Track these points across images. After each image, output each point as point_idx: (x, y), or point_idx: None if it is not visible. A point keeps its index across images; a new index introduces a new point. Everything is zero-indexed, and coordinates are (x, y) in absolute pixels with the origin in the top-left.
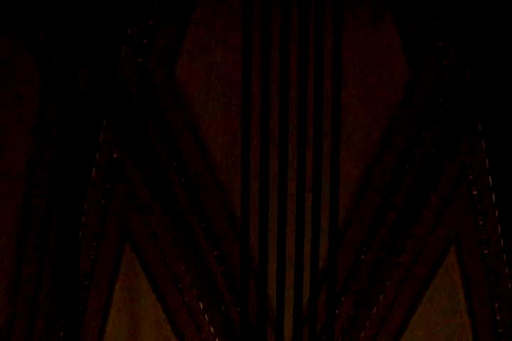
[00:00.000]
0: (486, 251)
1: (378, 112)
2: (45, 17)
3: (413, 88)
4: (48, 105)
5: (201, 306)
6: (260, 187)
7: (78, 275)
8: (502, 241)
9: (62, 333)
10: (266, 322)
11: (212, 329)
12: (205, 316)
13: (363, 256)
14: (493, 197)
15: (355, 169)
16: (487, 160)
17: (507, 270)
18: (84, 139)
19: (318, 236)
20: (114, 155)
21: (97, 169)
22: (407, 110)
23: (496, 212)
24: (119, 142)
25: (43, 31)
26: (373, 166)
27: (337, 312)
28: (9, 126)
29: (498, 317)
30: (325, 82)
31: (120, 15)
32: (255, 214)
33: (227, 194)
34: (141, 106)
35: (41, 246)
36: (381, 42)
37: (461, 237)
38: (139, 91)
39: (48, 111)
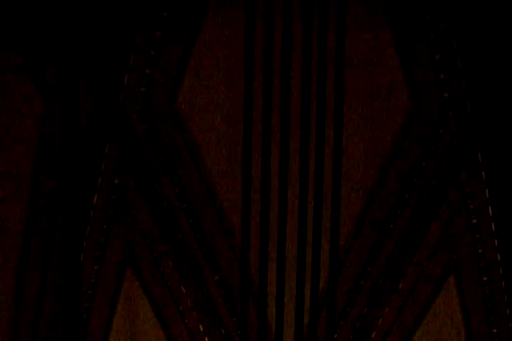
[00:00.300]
0: (484, 278)
1: (379, 142)
2: (49, 45)
3: (414, 119)
4: (50, 130)
5: (201, 329)
6: (261, 213)
7: (81, 298)
8: (501, 268)
9: None
10: None
11: None
12: (206, 339)
13: (362, 282)
14: (493, 227)
15: (356, 197)
16: (487, 190)
17: (505, 297)
18: (87, 165)
19: (319, 262)
20: (116, 181)
21: (99, 195)
22: (407, 140)
23: (496, 241)
24: (121, 168)
25: (46, 60)
26: (374, 194)
27: (336, 336)
28: (11, 152)
29: None
30: (327, 118)
31: (123, 45)
32: (256, 238)
33: (228, 219)
34: (143, 133)
35: (43, 269)
36: (383, 75)
37: (460, 264)
38: (140, 118)
39: (49, 137)
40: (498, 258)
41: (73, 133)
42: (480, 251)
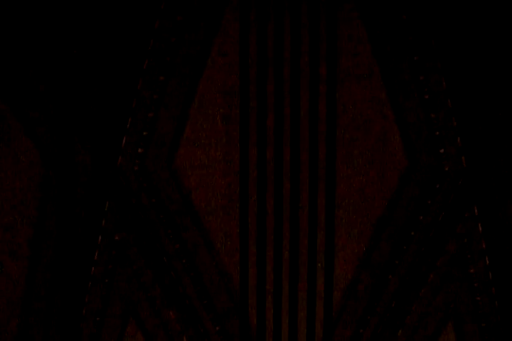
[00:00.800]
0: (483, 325)
1: (376, 198)
2: (46, 107)
3: (410, 175)
4: (50, 192)
5: None
6: (257, 272)
7: None
8: (499, 316)
9: None
10: None
11: None
12: None
13: (361, 330)
14: (490, 276)
15: (355, 248)
16: (483, 241)
17: None
18: (87, 223)
19: (314, 317)
20: (116, 238)
21: (99, 250)
22: (404, 196)
23: (493, 289)
24: (120, 225)
25: (44, 121)
26: (371, 247)
27: None
28: (10, 216)
29: None
30: (319, 184)
31: (121, 108)
32: (253, 295)
33: (228, 275)
34: (141, 193)
35: (45, 322)
36: (379, 131)
37: (459, 312)
38: (138, 179)
39: (49, 198)
40: (496, 305)
41: (71, 194)
42: (478, 298)
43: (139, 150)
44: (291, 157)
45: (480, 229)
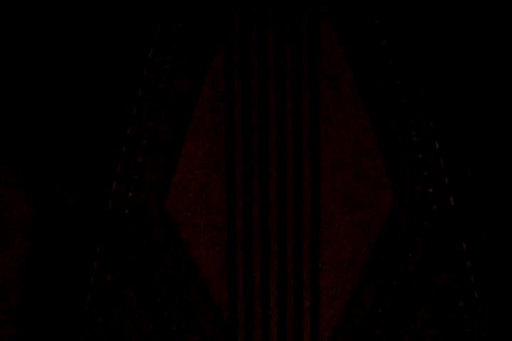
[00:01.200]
0: None
1: (365, 232)
2: (36, 154)
3: (398, 212)
4: (39, 235)
5: None
6: (245, 312)
7: None
8: None
9: None
10: None
11: None
12: None
13: None
14: (479, 309)
15: (344, 284)
16: (472, 276)
17: None
18: (79, 265)
19: None
20: (109, 278)
21: (92, 291)
22: (393, 233)
23: (482, 323)
24: (112, 266)
25: (34, 167)
26: (361, 284)
27: None
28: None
29: None
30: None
31: (111, 154)
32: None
33: (222, 313)
34: (133, 234)
35: None
36: (366, 171)
37: None
38: (130, 221)
39: (39, 240)
40: (485, 336)
41: (63, 238)
42: (467, 330)
43: (130, 193)
44: (278, 210)
45: (468, 264)
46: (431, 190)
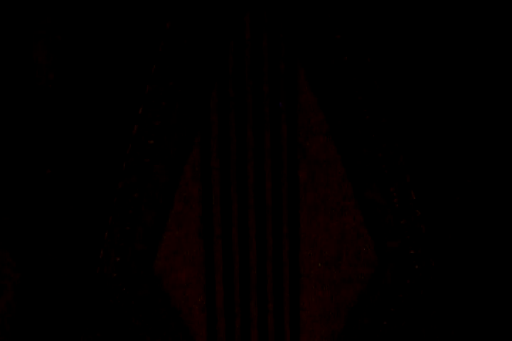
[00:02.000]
0: None
1: (342, 296)
2: (22, 218)
3: (380, 272)
4: (26, 298)
5: None
6: None
7: None
8: None
9: None
10: None
11: None
12: None
13: None
14: None
15: None
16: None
17: None
18: (67, 328)
19: None
20: (98, 335)
21: None
22: (376, 289)
23: None
24: (101, 329)
25: (19, 231)
26: None
27: None
28: None
29: None
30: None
31: (98, 222)
32: None
33: None
34: (122, 297)
35: None
36: (347, 230)
37: None
38: (118, 284)
39: (25, 304)
40: None
41: (51, 300)
42: None
43: (117, 259)
44: (257, 273)
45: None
46: (413, 251)
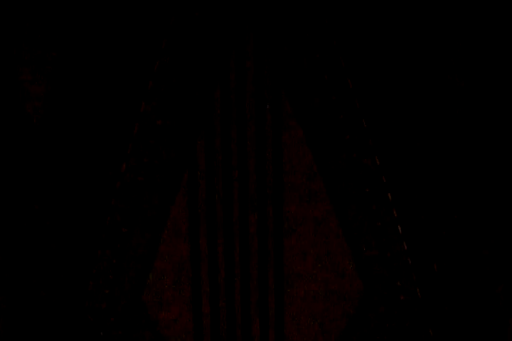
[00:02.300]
0: None
1: (328, 325)
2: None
3: (365, 304)
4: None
5: None
6: None
7: None
8: None
9: None
10: None
11: None
12: None
13: None
14: None
15: None
16: None
17: None
18: None
19: None
20: None
21: None
22: (360, 322)
23: None
24: None
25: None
26: None
27: None
28: None
29: None
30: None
31: (87, 257)
32: None
33: None
34: (110, 327)
35: None
36: (333, 264)
37: None
38: (106, 315)
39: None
40: None
41: (38, 333)
42: None
43: (106, 291)
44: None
45: None
46: (402, 297)
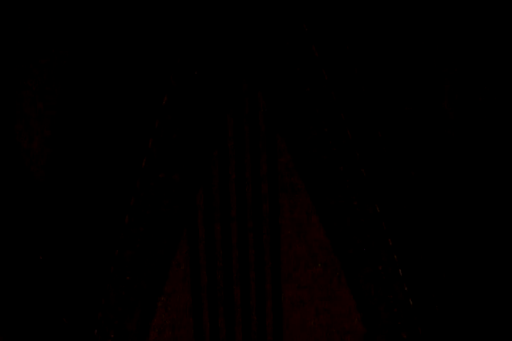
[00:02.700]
0: None
1: None
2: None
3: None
4: None
5: None
6: None
7: None
8: None
9: None
10: None
11: None
12: None
13: None
14: None
15: None
16: None
17: None
18: None
19: None
20: None
21: None
22: None
23: None
24: None
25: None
26: None
27: None
28: None
29: None
30: None
31: (92, 302)
32: None
33: None
34: None
35: None
36: (335, 303)
37: None
38: None
39: None
40: None
41: None
42: None
43: (111, 335)
44: None
45: None
46: (400, 322)
